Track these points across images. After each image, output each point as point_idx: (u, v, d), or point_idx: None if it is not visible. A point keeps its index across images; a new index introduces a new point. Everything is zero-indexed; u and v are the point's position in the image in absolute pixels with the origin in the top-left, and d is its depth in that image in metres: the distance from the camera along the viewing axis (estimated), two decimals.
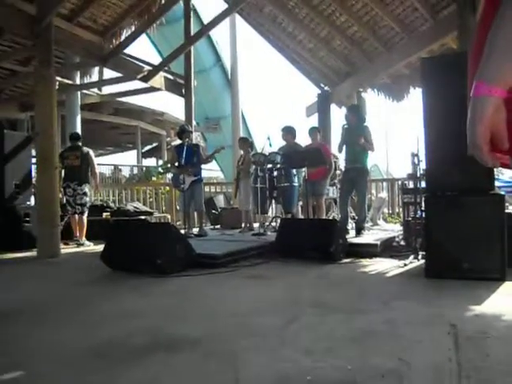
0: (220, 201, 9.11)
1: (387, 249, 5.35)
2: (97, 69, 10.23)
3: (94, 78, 10.36)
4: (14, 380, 1.84)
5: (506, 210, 3.81)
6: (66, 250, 6.21)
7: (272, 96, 78.82)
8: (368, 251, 5.02)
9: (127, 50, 8.27)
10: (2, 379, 1.84)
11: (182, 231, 5.81)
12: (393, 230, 6.81)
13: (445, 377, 1.73)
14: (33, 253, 5.76)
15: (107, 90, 11.22)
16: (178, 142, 7.26)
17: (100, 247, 4.85)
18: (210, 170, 17.01)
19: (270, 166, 6.65)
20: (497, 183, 4.04)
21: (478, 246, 3.52)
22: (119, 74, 8.85)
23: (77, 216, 6.77)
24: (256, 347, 2.15)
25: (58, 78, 7.84)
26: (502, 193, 3.83)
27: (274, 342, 2.22)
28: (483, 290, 3.13)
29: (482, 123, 0.86)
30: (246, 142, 7.46)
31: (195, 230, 6.84)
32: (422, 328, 2.38)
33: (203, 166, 6.89)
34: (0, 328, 2.57)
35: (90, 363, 1.99)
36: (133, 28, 8.36)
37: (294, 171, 6.83)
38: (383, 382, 1.70)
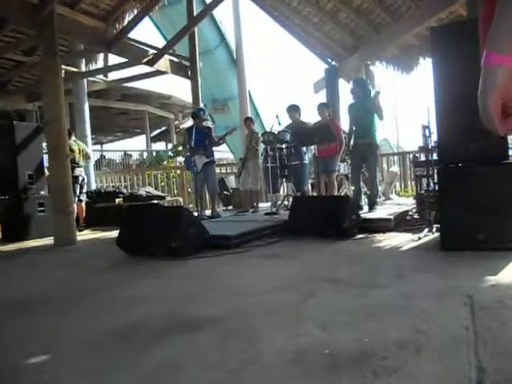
0: (231, 181, 9.13)
1: (401, 223, 5.34)
2: (101, 55, 10.18)
3: (100, 64, 10.33)
4: (42, 364, 1.91)
5: None
6: (80, 237, 6.31)
7: (279, 74, 77.98)
8: (382, 226, 5.02)
9: (131, 35, 8.22)
10: (31, 364, 1.90)
11: (195, 213, 5.85)
12: (406, 203, 6.78)
13: (462, 346, 1.75)
14: (50, 241, 5.86)
15: (113, 76, 11.19)
16: (188, 124, 7.25)
17: (115, 233, 4.91)
18: (220, 152, 17.00)
19: (279, 144, 6.63)
20: (511, 152, 3.97)
21: (493, 216, 3.49)
22: (124, 60, 8.80)
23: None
24: (274, 324, 2.18)
25: (64, 67, 7.82)
26: None
27: (292, 318, 2.25)
28: (498, 261, 3.12)
29: (493, 93, 0.85)
30: (247, 120, 7.45)
31: (208, 212, 6.89)
32: (437, 300, 2.39)
33: (214, 148, 6.89)
34: (25, 317, 2.64)
35: (114, 346, 2.04)
36: (135, 11, 8.27)
37: (304, 149, 6.81)
38: (401, 352, 1.72)
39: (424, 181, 5.53)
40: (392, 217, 5.17)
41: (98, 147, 20.43)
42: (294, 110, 6.97)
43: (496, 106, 0.86)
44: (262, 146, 7.05)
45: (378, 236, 4.73)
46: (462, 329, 1.92)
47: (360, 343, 1.84)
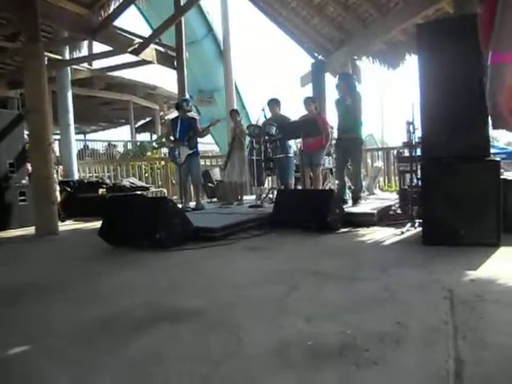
0: (216, 174, 9.10)
1: (384, 217, 5.39)
2: (86, 43, 10.02)
3: (84, 52, 10.17)
4: (24, 354, 1.88)
5: (501, 176, 3.82)
6: (62, 227, 6.22)
7: (266, 67, 77.75)
8: (365, 220, 5.06)
9: (116, 23, 8.09)
10: (12, 354, 1.88)
11: (180, 205, 5.82)
12: (389, 198, 6.85)
13: (441, 338, 1.78)
14: (31, 231, 5.77)
15: (98, 64, 11.02)
16: (173, 115, 7.19)
17: (98, 224, 4.86)
18: (205, 144, 16.93)
19: (265, 137, 6.62)
20: (492, 150, 4.03)
21: (474, 212, 3.55)
22: (109, 48, 8.67)
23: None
24: (257, 316, 2.19)
25: (47, 54, 7.67)
26: (498, 159, 3.83)
27: (275, 310, 2.27)
28: (479, 256, 3.18)
29: (502, 91, 0.86)
30: (233, 113, 7.43)
31: (192, 204, 6.86)
32: (419, 293, 2.43)
33: (199, 140, 6.85)
34: (7, 306, 2.60)
35: (96, 336, 2.03)
36: None
37: (290, 142, 6.81)
38: (382, 344, 1.75)
39: (407, 176, 5.59)
40: (375, 211, 5.22)
41: (82, 137, 20.14)
42: (274, 103, 7.00)
43: (506, 105, 0.86)
44: (247, 139, 7.03)
45: (362, 230, 4.77)
46: (442, 322, 1.95)
47: (342, 335, 1.86)
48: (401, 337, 1.81)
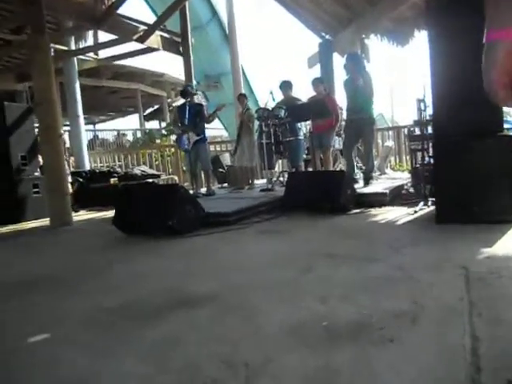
0: (226, 159, 9.11)
1: (396, 197, 5.37)
2: (91, 33, 9.99)
3: (89, 42, 10.15)
4: (42, 343, 1.93)
5: None
6: (76, 217, 6.30)
7: (273, 49, 76.93)
8: (377, 200, 5.04)
9: (120, 11, 8.03)
10: (31, 343, 1.92)
11: (191, 191, 5.84)
12: (401, 178, 6.81)
13: (457, 316, 1.78)
14: (46, 222, 5.85)
15: (104, 53, 11.01)
16: (181, 101, 7.17)
17: (111, 213, 4.90)
18: (214, 129, 16.90)
19: (274, 120, 6.58)
20: (505, 125, 3.97)
21: (488, 189, 3.51)
22: (114, 37, 8.64)
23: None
24: (272, 298, 2.21)
25: (53, 45, 7.67)
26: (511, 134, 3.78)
27: (290, 292, 2.28)
28: (494, 233, 3.15)
29: (495, 68, 0.87)
30: (241, 97, 7.39)
31: (203, 190, 6.88)
32: (433, 272, 2.43)
33: (207, 126, 6.84)
34: (25, 297, 2.65)
35: (115, 323, 2.06)
36: None
37: (299, 125, 6.77)
38: (398, 323, 1.75)
39: (419, 155, 5.54)
40: (387, 191, 5.19)
41: (91, 127, 20.23)
42: (287, 86, 6.94)
43: (499, 81, 0.87)
44: (256, 123, 7.00)
45: (374, 210, 4.76)
46: (457, 299, 1.95)
47: (357, 315, 1.87)
48: (416, 315, 1.82)
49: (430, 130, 4.81)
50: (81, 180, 8.00)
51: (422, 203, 4.58)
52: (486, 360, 1.41)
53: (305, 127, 7.15)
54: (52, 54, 6.26)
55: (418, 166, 5.65)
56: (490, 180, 3.50)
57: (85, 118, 12.35)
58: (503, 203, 3.48)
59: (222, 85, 15.85)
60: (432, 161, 4.29)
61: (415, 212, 4.36)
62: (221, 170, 8.68)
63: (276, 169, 7.71)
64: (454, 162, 3.65)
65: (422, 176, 4.92)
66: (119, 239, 4.36)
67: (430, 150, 4.66)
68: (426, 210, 4.42)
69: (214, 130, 17.01)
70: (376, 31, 9.02)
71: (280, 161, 7.82)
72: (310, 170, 6.97)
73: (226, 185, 8.28)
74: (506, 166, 3.47)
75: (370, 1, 8.17)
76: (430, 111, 4.64)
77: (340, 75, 9.62)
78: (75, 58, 10.10)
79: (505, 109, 3.68)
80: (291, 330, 1.78)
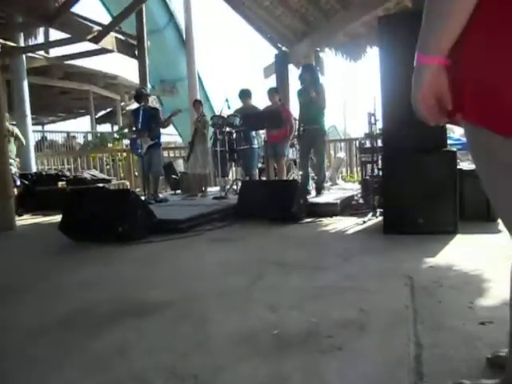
0: (179, 165, 8.99)
1: (347, 207, 5.50)
2: (42, 30, 9.63)
3: (40, 39, 9.77)
4: None
5: (458, 166, 3.97)
6: (20, 221, 6.01)
7: (229, 57, 77.20)
8: (328, 210, 5.14)
9: (74, 9, 7.80)
10: None
11: (142, 197, 5.73)
12: (351, 188, 6.99)
13: (402, 323, 1.85)
14: None
15: (55, 52, 10.62)
16: (135, 105, 7.03)
17: (57, 218, 4.71)
18: (168, 135, 16.68)
19: (228, 128, 6.60)
20: (449, 141, 4.18)
21: (432, 201, 3.68)
22: (67, 35, 8.36)
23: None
24: (223, 307, 2.20)
25: (0, 40, 7.33)
26: (454, 149, 3.98)
27: (241, 300, 2.28)
28: (437, 243, 3.31)
29: (421, 90, 0.97)
30: (196, 103, 7.37)
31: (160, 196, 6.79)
32: (380, 281, 2.50)
33: (162, 131, 6.74)
34: None
35: (61, 333, 1.98)
36: None
37: (254, 133, 6.82)
38: (345, 331, 1.79)
39: (369, 167, 5.72)
40: (338, 201, 5.31)
41: (39, 128, 19.41)
42: (246, 95, 6.98)
43: (423, 101, 0.98)
44: (210, 130, 6.99)
45: (325, 220, 4.85)
46: (403, 307, 2.03)
47: (307, 323, 1.89)
48: (364, 323, 1.87)
49: (380, 143, 4.97)
50: (26, 182, 7.65)
51: (370, 214, 4.72)
52: (428, 366, 1.47)
53: (259, 136, 7.20)
54: None
55: (367, 177, 5.83)
56: (434, 193, 3.67)
57: (33, 119, 11.85)
58: (446, 215, 3.66)
59: (177, 90, 15.70)
60: (381, 173, 4.44)
61: (364, 222, 4.49)
62: (174, 176, 8.56)
63: (230, 176, 7.71)
64: (401, 174, 3.80)
65: (371, 187, 5.08)
66: (66, 245, 4.19)
67: (380, 162, 4.82)
68: (375, 220, 4.57)
69: (168, 135, 16.79)
70: (330, 45, 9.26)
71: (234, 168, 7.83)
72: (264, 178, 7.02)
73: (178, 191, 8.19)
74: (449, 180, 3.65)
75: (326, 15, 8.39)
76: (380, 125, 4.81)
77: (295, 86, 9.79)
78: (24, 55, 9.68)
79: (448, 126, 3.88)
80: (242, 339, 1.78)
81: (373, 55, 8.68)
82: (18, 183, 7.04)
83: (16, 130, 7.36)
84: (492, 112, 0.93)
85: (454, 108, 0.99)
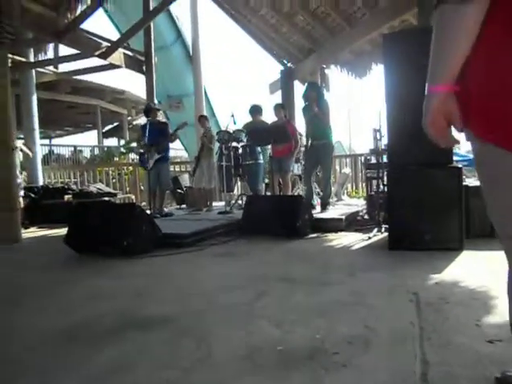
0: (185, 180, 9.02)
1: (352, 223, 5.48)
2: (52, 45, 9.78)
3: (49, 54, 9.92)
4: None
5: (464, 183, 3.96)
6: (26, 234, 6.03)
7: (235, 73, 77.92)
8: (333, 226, 5.13)
9: (83, 26, 7.93)
10: None
11: (148, 211, 5.74)
12: (357, 204, 6.97)
13: (408, 340, 1.82)
14: None
15: (64, 67, 10.76)
16: (142, 120, 7.11)
17: (63, 231, 4.73)
18: (174, 149, 16.76)
19: (234, 143, 6.62)
20: (454, 157, 4.18)
21: (438, 217, 3.66)
22: (76, 51, 8.49)
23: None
24: (227, 322, 2.19)
25: (10, 56, 7.44)
26: (460, 166, 3.97)
27: (245, 316, 2.26)
28: (443, 260, 3.28)
29: (429, 115, 1.08)
30: (202, 118, 7.42)
31: (166, 210, 6.81)
32: (386, 297, 2.48)
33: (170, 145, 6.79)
34: None
35: (62, 346, 1.97)
36: (88, 1, 8.00)
37: (259, 149, 6.85)
38: (350, 347, 1.77)
39: (374, 182, 5.71)
40: (343, 217, 5.30)
41: (47, 141, 19.59)
42: (256, 110, 7.03)
43: (435, 127, 1.09)
44: (216, 145, 7.02)
45: (330, 235, 4.83)
46: (409, 324, 2.00)
47: (312, 340, 1.87)
48: (369, 340, 1.85)
49: (385, 158, 4.97)
50: (33, 196, 7.69)
51: (376, 229, 4.70)
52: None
53: (266, 151, 7.23)
54: (9, 64, 6.06)
55: (373, 193, 5.82)
56: (441, 209, 3.66)
57: (41, 132, 11.96)
58: (452, 231, 3.63)
59: (183, 105, 15.83)
60: (386, 189, 4.43)
61: (369, 238, 4.47)
62: (179, 190, 8.58)
63: (235, 191, 7.72)
64: (406, 190, 3.78)
65: (377, 203, 5.07)
66: (71, 258, 4.19)
67: (385, 178, 4.81)
68: (380, 236, 4.54)
69: (174, 150, 16.87)
70: (336, 62, 9.35)
71: (239, 183, 7.84)
72: (269, 193, 7.02)
73: (184, 206, 8.20)
74: (454, 196, 3.64)
75: (331, 33, 8.49)
76: (385, 141, 4.81)
77: (300, 102, 9.85)
78: (33, 70, 9.82)
79: None
80: (245, 355, 1.76)
81: (378, 72, 8.74)
82: (22, 193, 7.11)
83: (19, 144, 7.41)
84: (500, 128, 1.01)
85: (464, 126, 1.09)
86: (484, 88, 1.02)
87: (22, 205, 7.03)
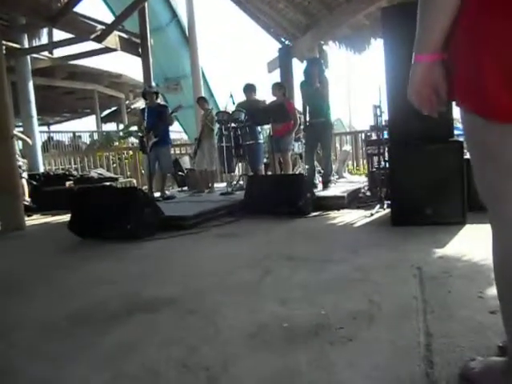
0: (186, 162, 9.02)
1: (354, 200, 5.49)
2: (46, 30, 9.67)
3: (44, 40, 9.81)
4: None
5: (465, 157, 3.94)
6: (29, 221, 6.07)
7: (233, 53, 77.01)
8: (336, 203, 5.13)
9: (77, 9, 7.82)
10: None
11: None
12: (358, 181, 6.97)
13: (411, 314, 1.84)
14: None
15: (59, 52, 10.66)
16: (139, 103, 7.07)
17: (66, 217, 4.75)
18: (174, 132, 16.70)
19: (234, 124, 6.59)
20: (455, 131, 4.15)
21: (440, 192, 3.66)
22: (70, 35, 8.39)
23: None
24: (233, 301, 2.21)
25: (4, 42, 7.37)
26: (461, 140, 3.95)
27: (250, 295, 2.29)
28: (446, 234, 3.29)
29: (413, 85, 1.11)
30: (200, 100, 7.38)
31: (167, 193, 6.82)
32: (389, 272, 2.50)
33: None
34: None
35: (70, 330, 2.00)
36: None
37: (259, 128, 6.81)
38: (355, 322, 1.80)
39: (375, 159, 5.70)
40: (345, 194, 5.30)
41: (45, 128, 19.53)
42: (251, 89, 6.97)
43: (417, 96, 1.11)
44: (216, 126, 6.99)
45: (332, 213, 4.85)
46: (412, 298, 2.02)
47: (317, 316, 1.90)
48: (373, 314, 1.87)
49: (386, 134, 4.95)
50: (34, 183, 7.71)
51: (378, 206, 4.71)
52: (438, 355, 1.47)
53: (264, 131, 7.20)
54: (3, 51, 6.00)
55: (374, 169, 5.82)
56: (442, 184, 3.65)
57: (39, 120, 11.91)
58: (454, 206, 3.64)
59: (181, 87, 15.69)
60: (387, 165, 4.42)
61: (372, 214, 4.48)
62: (180, 173, 8.59)
63: (236, 172, 7.72)
64: (407, 166, 3.78)
65: (378, 179, 5.07)
66: (76, 243, 4.23)
67: (386, 154, 4.80)
68: (382, 212, 4.55)
69: (174, 132, 16.81)
70: (334, 38, 9.21)
71: (240, 164, 7.83)
72: (270, 173, 7.02)
73: (185, 188, 8.21)
74: (456, 171, 3.63)
75: (328, 8, 8.35)
76: (385, 117, 4.78)
77: (298, 80, 9.75)
78: (28, 57, 9.72)
79: (454, 116, 3.86)
80: (251, 333, 1.79)
81: (377, 47, 8.63)
82: (25, 175, 7.15)
83: (15, 131, 7.36)
84: (475, 96, 1.01)
85: (450, 96, 1.09)
86: (464, 58, 1.03)
87: (27, 188, 7.09)
